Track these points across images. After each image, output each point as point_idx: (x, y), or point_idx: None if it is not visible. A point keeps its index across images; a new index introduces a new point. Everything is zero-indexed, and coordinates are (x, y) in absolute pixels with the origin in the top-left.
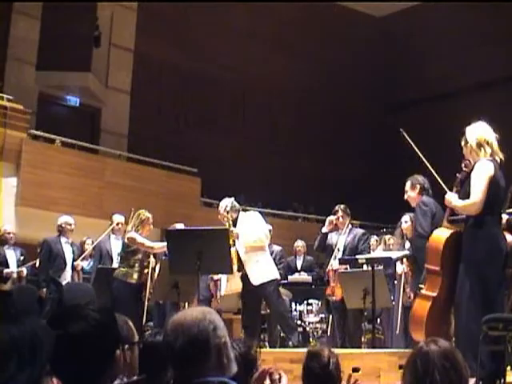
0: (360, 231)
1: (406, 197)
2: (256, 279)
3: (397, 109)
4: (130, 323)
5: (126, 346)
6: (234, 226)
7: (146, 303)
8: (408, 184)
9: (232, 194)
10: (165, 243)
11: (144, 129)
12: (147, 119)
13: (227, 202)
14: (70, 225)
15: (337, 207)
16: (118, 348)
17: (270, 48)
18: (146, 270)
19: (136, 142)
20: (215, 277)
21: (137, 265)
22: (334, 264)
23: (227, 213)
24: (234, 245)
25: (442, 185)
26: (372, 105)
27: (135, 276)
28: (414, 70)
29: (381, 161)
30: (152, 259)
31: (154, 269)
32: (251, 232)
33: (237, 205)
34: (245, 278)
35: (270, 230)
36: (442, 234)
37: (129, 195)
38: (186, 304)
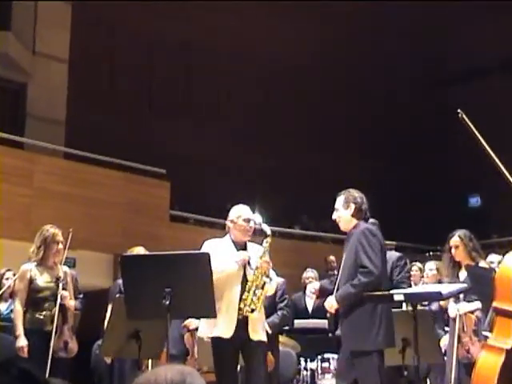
0: (394, 255)
1: (335, 216)
2: (259, 334)
3: (444, 86)
4: None
5: None
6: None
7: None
8: (340, 200)
9: (213, 205)
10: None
11: (89, 113)
12: (94, 100)
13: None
14: None
15: None
16: None
17: (265, 13)
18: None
19: (78, 132)
20: (191, 325)
21: (46, 306)
22: None
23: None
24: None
25: None
26: (410, 84)
27: (47, 320)
28: (460, 42)
29: (423, 159)
30: (63, 292)
31: (62, 306)
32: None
33: None
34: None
35: None
36: None
37: (69, 207)
38: (150, 362)
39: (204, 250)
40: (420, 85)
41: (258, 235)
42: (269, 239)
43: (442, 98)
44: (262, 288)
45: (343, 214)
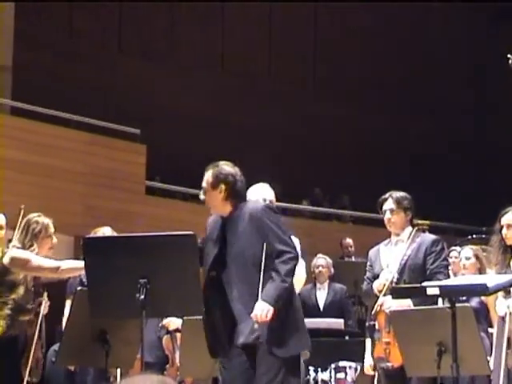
0: (429, 238)
1: (202, 198)
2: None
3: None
4: None
5: None
6: None
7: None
8: (208, 178)
9: (202, 174)
10: (81, 263)
11: (42, 58)
12: (48, 40)
13: None
14: None
15: (387, 195)
16: None
17: None
18: (28, 315)
19: (28, 82)
20: (171, 325)
21: (9, 305)
22: (386, 302)
23: None
24: None
25: None
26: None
27: (1, 323)
28: None
29: (468, 116)
30: (47, 299)
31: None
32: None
33: None
34: None
35: None
36: None
37: (17, 178)
38: (119, 371)
39: None
40: None
41: None
42: None
43: None
44: None
45: (212, 196)
